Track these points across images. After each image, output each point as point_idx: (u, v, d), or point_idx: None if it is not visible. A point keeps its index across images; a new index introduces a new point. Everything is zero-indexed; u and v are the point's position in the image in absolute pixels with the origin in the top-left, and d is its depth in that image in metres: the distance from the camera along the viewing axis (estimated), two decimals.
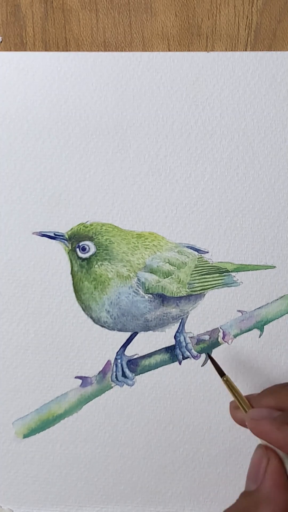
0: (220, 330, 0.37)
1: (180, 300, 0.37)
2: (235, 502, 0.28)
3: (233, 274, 0.37)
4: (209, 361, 0.36)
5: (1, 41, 0.39)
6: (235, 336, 0.37)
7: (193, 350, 0.37)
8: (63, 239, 0.38)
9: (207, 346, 0.37)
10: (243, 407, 0.31)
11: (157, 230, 0.38)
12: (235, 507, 0.28)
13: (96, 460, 0.37)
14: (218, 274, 0.37)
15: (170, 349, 0.37)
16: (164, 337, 0.37)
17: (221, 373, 0.32)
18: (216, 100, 0.38)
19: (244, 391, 0.37)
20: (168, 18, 0.39)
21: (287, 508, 0.27)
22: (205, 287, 0.37)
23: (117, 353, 0.37)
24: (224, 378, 0.32)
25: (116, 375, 0.37)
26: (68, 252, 0.38)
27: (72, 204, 0.38)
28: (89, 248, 0.37)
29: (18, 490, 0.37)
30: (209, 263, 0.37)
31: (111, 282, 0.36)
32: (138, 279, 0.36)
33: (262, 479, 0.27)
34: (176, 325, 0.37)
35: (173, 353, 0.37)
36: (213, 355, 0.37)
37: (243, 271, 0.37)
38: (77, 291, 0.37)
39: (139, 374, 0.37)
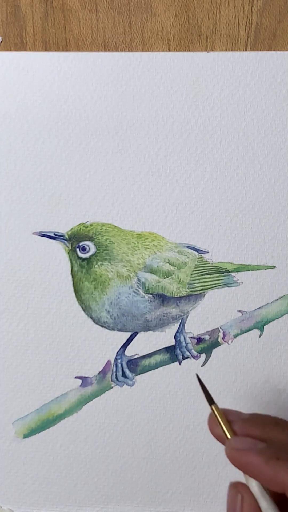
0: (220, 330, 0.37)
1: (180, 300, 0.37)
2: None
3: (233, 274, 0.37)
4: (209, 361, 0.37)
5: (1, 41, 0.39)
6: (235, 336, 0.37)
7: (193, 350, 0.37)
8: (63, 239, 0.38)
9: (207, 346, 0.37)
10: (226, 435, 0.28)
11: (157, 230, 0.38)
12: None
13: (96, 460, 0.37)
14: (218, 274, 0.37)
15: (170, 349, 0.37)
16: (164, 337, 0.37)
17: (211, 401, 0.29)
18: (216, 100, 0.38)
19: (244, 390, 0.37)
20: (168, 18, 0.39)
21: None
22: (205, 287, 0.37)
23: (117, 353, 0.37)
24: (213, 407, 0.29)
25: (116, 375, 0.37)
26: (68, 252, 0.38)
27: (72, 204, 0.38)
28: (89, 248, 0.37)
29: (18, 490, 0.37)
30: (209, 263, 0.37)
31: (111, 282, 0.36)
32: (138, 279, 0.36)
33: None
34: (176, 325, 0.37)
35: (173, 353, 0.37)
36: (213, 355, 0.37)
37: (243, 271, 0.37)
38: (77, 291, 0.37)
39: (139, 374, 0.37)
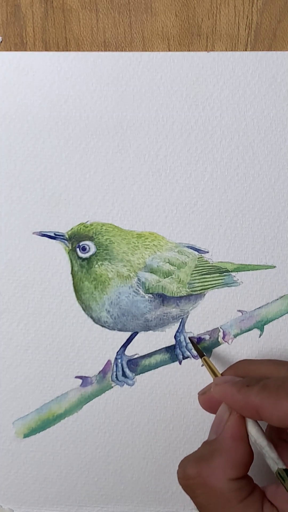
0: (220, 330, 0.37)
1: (180, 300, 0.37)
2: (196, 450, 0.30)
3: (233, 274, 0.37)
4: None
5: (1, 41, 0.39)
6: (235, 336, 0.37)
7: (193, 350, 0.37)
8: (63, 239, 0.38)
9: (207, 346, 0.37)
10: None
11: (157, 230, 0.38)
12: (194, 453, 0.29)
13: (96, 460, 0.37)
14: (218, 274, 0.37)
15: (170, 349, 0.37)
16: (164, 337, 0.37)
17: (201, 354, 0.35)
18: (216, 100, 0.38)
19: None
20: (168, 18, 0.39)
21: (240, 459, 0.28)
22: (205, 287, 0.37)
23: (117, 353, 0.37)
24: (203, 358, 0.35)
25: (116, 375, 0.37)
26: (68, 252, 0.38)
27: (72, 204, 0.38)
28: (89, 248, 0.37)
29: (18, 490, 0.37)
30: (209, 263, 0.37)
31: (111, 282, 0.36)
32: (138, 279, 0.36)
33: (221, 431, 0.29)
34: (176, 325, 0.37)
35: (173, 353, 0.37)
36: (213, 355, 0.37)
37: (243, 271, 0.37)
38: (77, 291, 0.37)
39: (139, 374, 0.37)
